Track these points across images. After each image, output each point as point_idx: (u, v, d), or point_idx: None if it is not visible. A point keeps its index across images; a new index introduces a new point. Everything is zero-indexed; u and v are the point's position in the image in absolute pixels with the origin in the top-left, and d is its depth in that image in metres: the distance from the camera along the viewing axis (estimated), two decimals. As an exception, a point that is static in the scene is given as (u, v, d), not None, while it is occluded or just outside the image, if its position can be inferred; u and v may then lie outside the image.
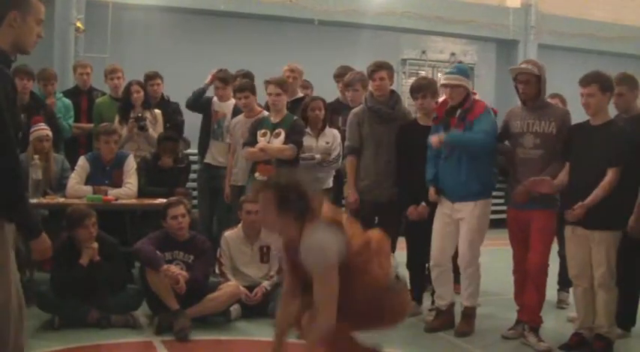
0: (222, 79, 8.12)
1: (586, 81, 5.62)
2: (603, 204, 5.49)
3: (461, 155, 6.10)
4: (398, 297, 4.35)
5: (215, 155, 8.06)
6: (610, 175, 5.49)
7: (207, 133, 8.16)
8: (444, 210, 6.25)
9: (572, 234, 5.76)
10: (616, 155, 5.51)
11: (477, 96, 6.42)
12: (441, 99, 6.69)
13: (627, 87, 6.07)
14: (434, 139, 6.10)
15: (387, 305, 4.23)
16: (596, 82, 5.57)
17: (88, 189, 7.19)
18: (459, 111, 6.13)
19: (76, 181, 7.24)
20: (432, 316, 6.53)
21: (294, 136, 6.99)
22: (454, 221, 6.22)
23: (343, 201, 7.13)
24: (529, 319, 6.04)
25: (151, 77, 8.55)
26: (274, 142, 7.00)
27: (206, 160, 8.16)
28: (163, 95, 8.68)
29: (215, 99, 8.24)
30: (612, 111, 6.07)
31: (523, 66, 6.13)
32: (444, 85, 6.23)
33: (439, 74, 14.69)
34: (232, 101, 8.08)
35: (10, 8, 3.58)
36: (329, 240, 4.04)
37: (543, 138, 5.94)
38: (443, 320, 6.36)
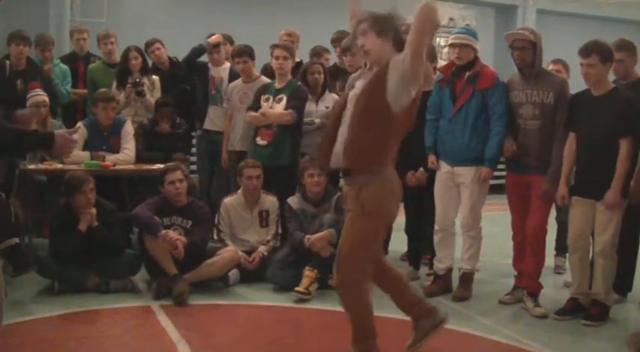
0: (214, 43, 8.08)
1: (586, 51, 5.53)
2: (609, 173, 5.47)
3: (467, 117, 6.07)
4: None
5: (215, 120, 8.01)
6: (625, 146, 5.42)
7: (206, 99, 8.12)
8: (445, 175, 6.25)
9: (580, 202, 5.73)
10: (626, 124, 5.44)
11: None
12: (441, 63, 6.66)
13: (627, 53, 6.04)
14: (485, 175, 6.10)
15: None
16: (597, 53, 5.48)
17: (86, 154, 7.18)
18: (467, 74, 6.11)
19: (73, 147, 7.22)
20: (429, 281, 6.56)
21: (294, 101, 6.95)
22: (455, 185, 6.23)
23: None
24: (528, 285, 6.07)
25: (150, 44, 8.43)
26: (276, 107, 6.97)
27: (205, 126, 8.12)
28: (171, 58, 8.62)
29: (210, 65, 8.19)
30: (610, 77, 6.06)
31: (519, 32, 6.09)
32: (452, 45, 6.17)
33: (437, 39, 14.64)
34: (227, 65, 8.05)
35: None
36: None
37: (542, 109, 5.90)
38: (440, 284, 6.38)
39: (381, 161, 4.33)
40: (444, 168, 6.25)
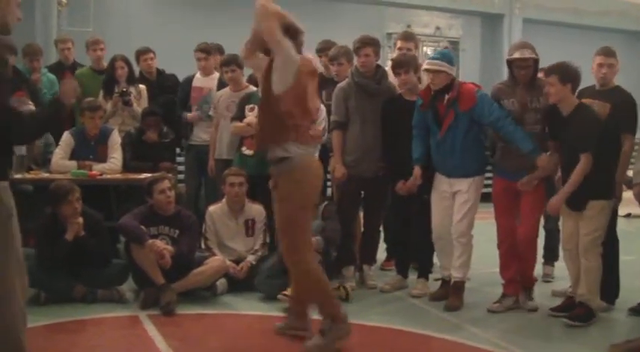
0: (204, 50, 8.04)
1: (547, 71, 5.78)
2: (585, 186, 5.61)
3: (455, 138, 6.10)
4: None
5: (200, 135, 8.00)
6: (582, 161, 5.60)
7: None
8: (441, 185, 6.27)
9: (565, 209, 5.88)
10: (586, 141, 5.62)
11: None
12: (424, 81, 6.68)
13: (615, 59, 6.21)
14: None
15: None
16: (556, 73, 5.67)
17: (73, 164, 7.17)
18: (446, 98, 6.10)
19: (60, 156, 7.21)
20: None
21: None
22: (451, 194, 6.25)
23: (329, 176, 7.13)
24: (523, 279, 6.24)
25: (143, 52, 8.47)
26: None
27: (191, 142, 8.10)
28: (158, 69, 8.60)
29: (198, 75, 8.13)
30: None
31: (522, 52, 6.05)
32: (426, 70, 6.20)
33: (424, 48, 14.71)
34: (216, 74, 8.05)
35: None
36: None
37: (542, 114, 6.04)
38: (447, 289, 6.40)
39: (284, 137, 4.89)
40: (441, 178, 6.29)
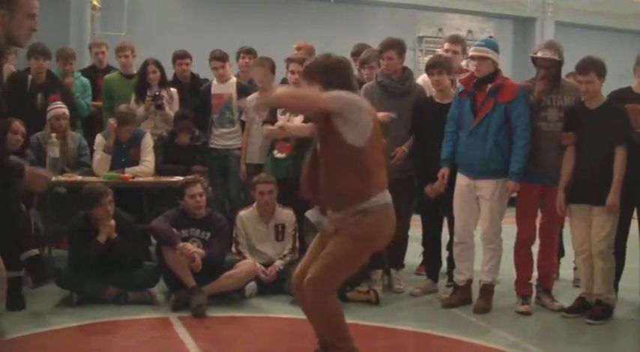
0: (218, 58, 8.07)
1: (584, 69, 5.87)
2: (604, 180, 5.77)
3: (488, 130, 6.09)
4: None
5: (222, 141, 8.03)
6: (620, 153, 5.77)
7: (208, 122, 8.12)
8: (465, 188, 6.24)
9: (578, 208, 6.00)
10: (621, 134, 5.81)
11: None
12: (464, 75, 6.68)
13: None
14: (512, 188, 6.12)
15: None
16: (594, 70, 5.84)
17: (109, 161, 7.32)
18: (488, 86, 6.13)
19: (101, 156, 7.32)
20: (448, 293, 6.56)
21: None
22: (475, 197, 6.23)
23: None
24: (543, 282, 6.40)
25: (181, 56, 8.51)
26: (294, 120, 6.95)
27: (212, 146, 8.07)
28: (193, 73, 8.67)
29: (215, 82, 8.15)
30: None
31: (544, 52, 6.14)
32: (472, 57, 6.25)
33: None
34: (233, 79, 8.09)
35: None
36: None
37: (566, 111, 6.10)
38: (460, 296, 6.38)
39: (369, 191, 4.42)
40: (464, 180, 6.25)
